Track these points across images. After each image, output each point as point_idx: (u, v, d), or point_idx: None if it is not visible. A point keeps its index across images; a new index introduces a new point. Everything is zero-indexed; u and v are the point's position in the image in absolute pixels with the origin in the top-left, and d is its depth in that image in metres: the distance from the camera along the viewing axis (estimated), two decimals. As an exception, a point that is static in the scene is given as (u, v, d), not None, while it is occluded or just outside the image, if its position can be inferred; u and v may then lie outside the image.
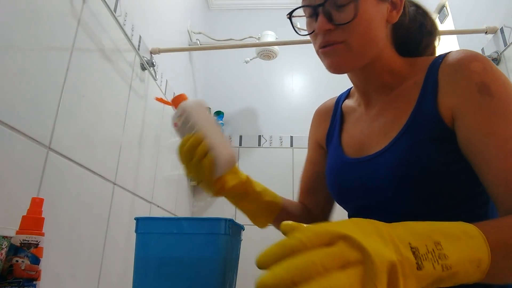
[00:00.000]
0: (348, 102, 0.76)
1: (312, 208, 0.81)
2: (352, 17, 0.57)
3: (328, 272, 0.29)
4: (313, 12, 0.60)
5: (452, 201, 0.56)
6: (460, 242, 0.36)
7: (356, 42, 0.58)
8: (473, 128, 0.52)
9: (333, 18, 0.58)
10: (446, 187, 0.55)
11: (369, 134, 0.65)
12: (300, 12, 0.64)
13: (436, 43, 0.72)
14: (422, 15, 0.69)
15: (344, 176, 0.67)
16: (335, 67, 0.61)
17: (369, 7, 0.58)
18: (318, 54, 0.63)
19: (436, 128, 0.55)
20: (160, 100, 0.63)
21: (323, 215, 0.81)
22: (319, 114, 0.83)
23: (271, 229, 0.71)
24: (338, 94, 0.83)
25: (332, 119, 0.77)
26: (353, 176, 0.65)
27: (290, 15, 0.65)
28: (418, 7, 0.70)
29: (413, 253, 0.33)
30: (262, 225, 0.72)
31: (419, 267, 0.32)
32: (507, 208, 0.47)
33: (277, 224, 0.72)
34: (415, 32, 0.68)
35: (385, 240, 0.33)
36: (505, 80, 0.53)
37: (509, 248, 0.39)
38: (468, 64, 0.54)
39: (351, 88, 0.79)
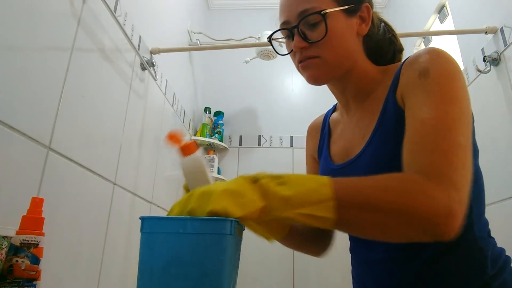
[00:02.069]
0: (334, 116, 0.81)
1: None
2: (323, 35, 0.61)
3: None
4: (289, 33, 0.65)
5: None
6: (297, 174, 0.46)
7: (330, 56, 0.63)
8: (407, 108, 0.56)
9: (307, 36, 0.63)
10: None
11: (351, 140, 0.69)
12: (279, 34, 0.69)
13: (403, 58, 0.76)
14: (391, 33, 0.74)
15: None
16: (313, 79, 0.66)
17: (339, 23, 0.63)
18: (298, 70, 0.69)
19: (400, 119, 0.57)
20: (172, 136, 0.61)
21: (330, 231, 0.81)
22: (311, 130, 0.87)
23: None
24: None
25: (321, 133, 0.82)
26: None
27: (270, 38, 0.71)
28: (387, 26, 0.74)
29: (253, 177, 0.45)
30: (278, 235, 0.68)
31: (255, 181, 0.44)
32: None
33: (288, 242, 0.69)
34: (386, 44, 0.73)
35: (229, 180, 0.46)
36: (449, 66, 0.55)
37: (361, 185, 0.46)
38: (419, 57, 0.59)
39: (337, 103, 0.84)
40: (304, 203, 0.43)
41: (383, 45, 0.73)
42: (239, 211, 0.41)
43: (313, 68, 0.65)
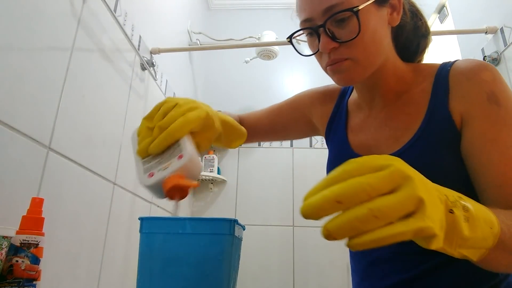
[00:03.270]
0: (353, 100, 0.75)
1: (249, 128, 0.82)
2: (355, 33, 0.55)
3: (376, 192, 0.29)
4: (314, 32, 0.59)
5: None
6: (474, 203, 0.38)
7: (362, 56, 0.58)
8: (478, 133, 0.54)
9: (336, 35, 0.56)
10: (460, 191, 0.56)
11: (377, 138, 0.65)
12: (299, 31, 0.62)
13: (429, 44, 0.71)
14: (415, 15, 0.68)
15: None
16: (344, 82, 0.61)
17: (371, 16, 0.56)
18: (325, 71, 0.62)
19: (450, 133, 0.57)
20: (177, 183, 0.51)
21: (253, 138, 0.85)
22: (325, 94, 0.80)
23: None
24: None
25: (335, 110, 0.77)
26: None
27: (290, 39, 0.63)
28: (412, 6, 0.69)
29: (451, 204, 0.35)
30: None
31: (451, 211, 0.34)
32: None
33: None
34: (412, 34, 0.68)
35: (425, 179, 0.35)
36: (511, 92, 0.56)
37: None
38: (480, 73, 0.56)
39: None
40: (470, 246, 0.38)
41: (410, 36, 0.67)
42: (435, 245, 0.32)
43: (344, 71, 0.59)
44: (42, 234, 0.63)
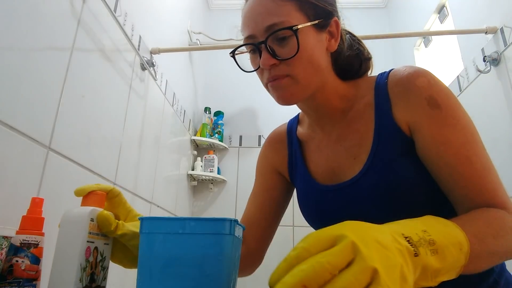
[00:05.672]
0: (301, 130, 0.76)
1: (251, 241, 0.77)
2: (294, 51, 0.57)
3: (337, 268, 0.30)
4: (256, 49, 0.60)
5: (436, 207, 0.57)
6: (440, 229, 0.40)
7: (301, 74, 0.59)
8: (429, 138, 0.56)
9: (276, 53, 0.59)
10: (428, 195, 0.57)
11: (337, 160, 0.66)
12: (242, 48, 0.64)
13: (372, 67, 0.74)
14: (357, 42, 0.71)
15: (325, 205, 0.66)
16: (283, 100, 0.62)
17: (309, 38, 0.59)
18: (266, 88, 0.64)
19: (403, 142, 0.58)
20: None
21: (263, 246, 0.81)
22: (273, 142, 0.81)
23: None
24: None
25: (290, 148, 0.77)
26: (335, 203, 0.64)
27: (233, 54, 0.65)
28: (352, 35, 0.71)
29: (408, 241, 0.35)
30: None
31: (416, 254, 0.35)
32: (466, 208, 0.52)
33: None
34: (354, 58, 0.70)
35: (383, 232, 0.35)
36: (448, 91, 0.58)
37: (482, 235, 0.43)
38: (414, 80, 0.58)
39: (298, 114, 0.80)
40: (445, 273, 0.39)
41: (351, 60, 0.69)
42: None
43: (284, 88, 0.60)
44: (42, 234, 0.63)
